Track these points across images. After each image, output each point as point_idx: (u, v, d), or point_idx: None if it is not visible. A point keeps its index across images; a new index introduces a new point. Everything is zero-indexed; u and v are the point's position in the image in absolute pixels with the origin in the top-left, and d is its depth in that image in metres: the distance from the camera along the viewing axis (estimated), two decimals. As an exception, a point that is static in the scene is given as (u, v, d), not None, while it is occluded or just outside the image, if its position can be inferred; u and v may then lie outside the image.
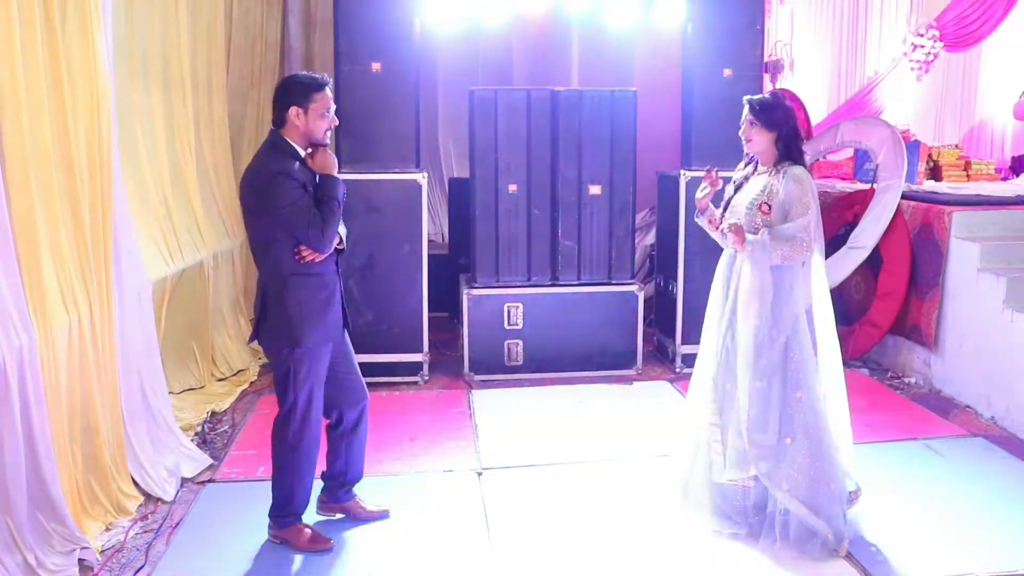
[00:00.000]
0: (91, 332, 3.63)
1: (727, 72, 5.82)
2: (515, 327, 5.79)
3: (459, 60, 8.44)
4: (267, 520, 3.64)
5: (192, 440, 4.60)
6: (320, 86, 3.37)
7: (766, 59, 6.99)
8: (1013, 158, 9.09)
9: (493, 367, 5.80)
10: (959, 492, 4.13)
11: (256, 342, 3.54)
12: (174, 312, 5.06)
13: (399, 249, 5.61)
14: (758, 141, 3.60)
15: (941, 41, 9.01)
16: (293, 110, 3.33)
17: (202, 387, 5.41)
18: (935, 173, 7.77)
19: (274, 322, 3.38)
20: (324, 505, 3.88)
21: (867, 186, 6.52)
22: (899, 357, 6.05)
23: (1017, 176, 8.50)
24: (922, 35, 8.99)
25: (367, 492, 3.96)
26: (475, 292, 5.79)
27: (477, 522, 3.82)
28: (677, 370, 5.96)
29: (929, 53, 9.05)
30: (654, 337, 6.48)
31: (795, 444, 3.47)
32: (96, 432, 3.67)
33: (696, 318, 5.62)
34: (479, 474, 4.32)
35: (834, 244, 6.49)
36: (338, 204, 3.34)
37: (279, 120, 3.38)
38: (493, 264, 5.81)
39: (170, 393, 4.75)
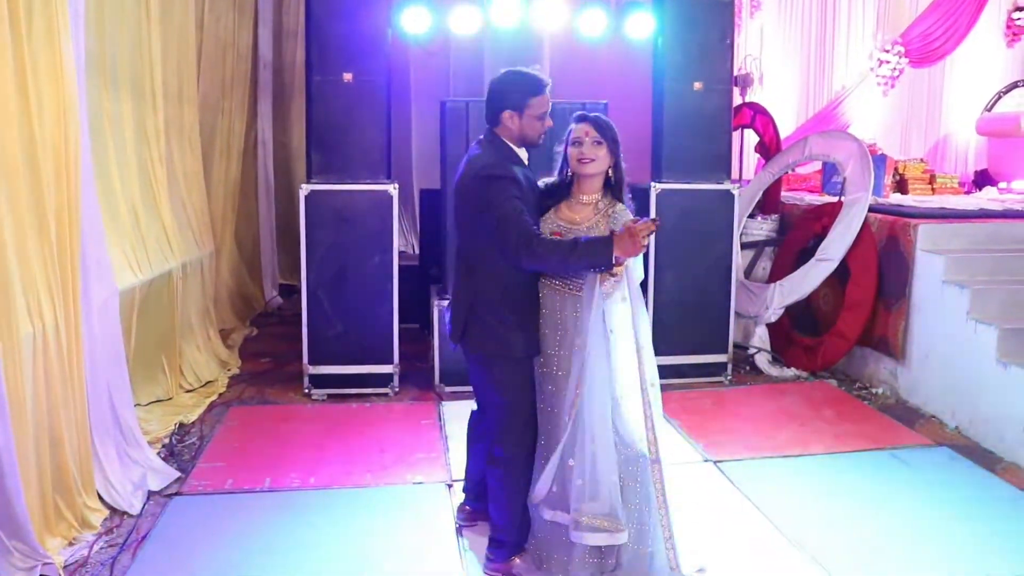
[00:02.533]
0: (57, 343, 3.57)
1: (697, 85, 5.86)
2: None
3: (431, 71, 8.44)
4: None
5: (159, 452, 4.54)
6: (537, 89, 3.23)
7: (736, 73, 7.05)
8: (976, 172, 9.28)
9: (463, 378, 5.60)
10: (925, 501, 4.17)
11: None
12: (142, 322, 5.00)
13: (370, 260, 5.58)
14: (599, 164, 3.27)
15: (906, 57, 9.19)
16: (506, 113, 3.22)
17: (170, 399, 5.34)
18: (901, 186, 7.90)
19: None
20: (467, 515, 3.82)
21: (835, 199, 6.58)
22: (867, 368, 6.11)
23: (980, 190, 8.67)
24: (888, 51, 9.16)
25: (335, 507, 3.93)
26: (445, 303, 5.73)
27: (447, 535, 3.80)
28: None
29: (895, 69, 9.22)
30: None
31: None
32: (62, 445, 3.61)
33: (664, 330, 5.69)
34: (449, 486, 4.29)
35: (802, 256, 6.56)
36: (571, 265, 3.10)
37: (492, 119, 3.27)
38: (464, 275, 5.77)
39: (137, 405, 4.70)
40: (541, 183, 3.39)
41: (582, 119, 3.28)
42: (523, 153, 3.32)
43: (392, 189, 5.57)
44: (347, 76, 5.48)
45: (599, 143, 3.23)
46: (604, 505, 3.21)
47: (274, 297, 8.36)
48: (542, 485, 3.32)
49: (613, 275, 3.11)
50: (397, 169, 6.01)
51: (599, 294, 3.15)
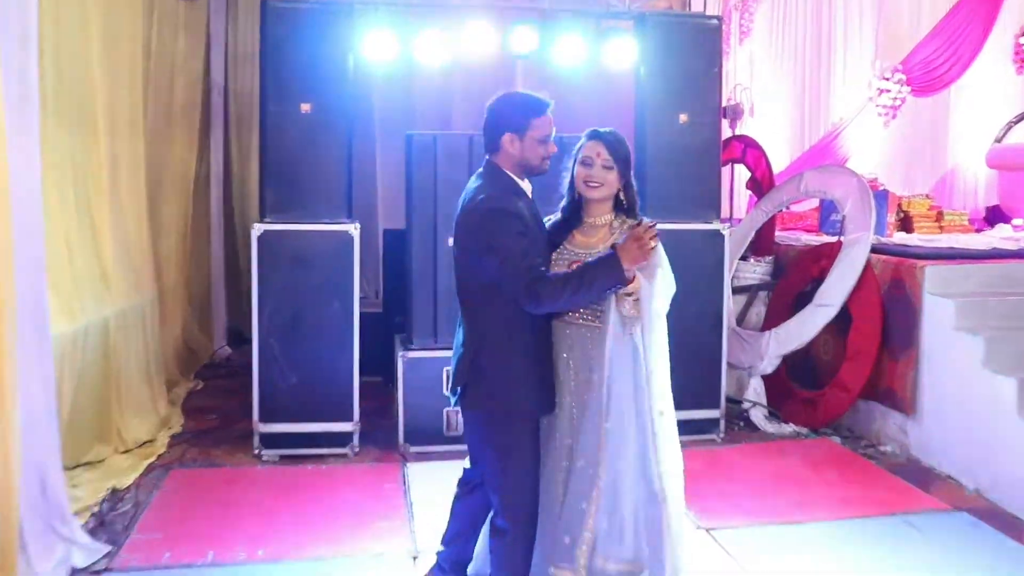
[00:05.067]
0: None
1: (683, 118, 5.88)
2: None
3: (396, 102, 8.46)
4: None
5: (88, 523, 4.39)
6: (539, 109, 3.23)
7: (724, 104, 7.09)
8: (987, 208, 9.28)
9: (430, 437, 5.69)
10: (942, 574, 4.09)
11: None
12: (74, 374, 4.89)
13: (328, 307, 5.53)
14: (607, 189, 3.30)
15: (908, 85, 9.25)
16: (507, 137, 3.21)
17: (102, 461, 5.21)
18: (906, 224, 7.89)
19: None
20: None
21: (834, 239, 6.60)
22: (873, 423, 6.05)
23: (992, 227, 8.65)
24: (888, 79, 9.22)
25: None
26: (411, 354, 5.70)
27: (410, 615, 3.69)
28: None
29: (896, 98, 9.28)
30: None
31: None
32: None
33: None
34: (414, 558, 4.20)
35: (800, 301, 6.54)
36: (584, 295, 3.10)
37: (491, 146, 3.27)
38: (431, 324, 5.73)
39: (65, 468, 4.55)
40: (547, 221, 3.40)
41: (595, 136, 3.31)
42: (526, 185, 3.30)
43: (353, 229, 5.53)
44: (305, 106, 5.47)
45: (609, 168, 3.27)
46: (628, 549, 3.22)
47: (223, 347, 8.25)
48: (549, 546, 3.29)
49: (629, 294, 3.13)
50: (359, 207, 6.00)
51: (619, 319, 3.17)
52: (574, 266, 3.20)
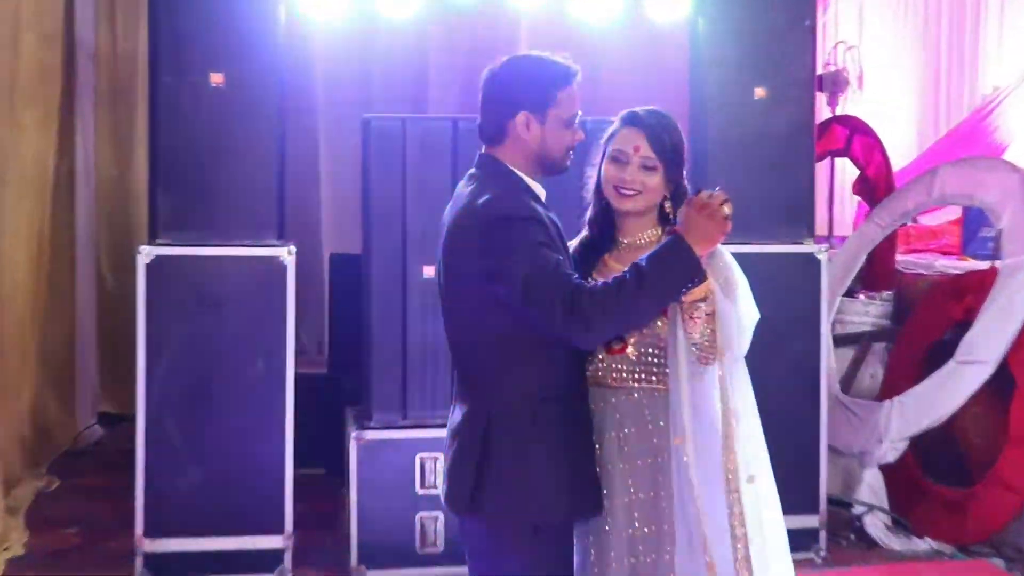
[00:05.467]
0: None
1: (760, 92, 5.93)
2: (432, 490, 5.71)
3: (349, 72, 8.52)
4: None
5: None
6: (566, 78, 3.25)
7: (821, 71, 7.15)
8: None
9: (398, 556, 5.70)
10: None
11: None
12: None
13: (249, 366, 5.58)
14: (648, 198, 3.31)
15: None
16: (522, 117, 3.20)
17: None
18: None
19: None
20: None
21: (985, 264, 6.64)
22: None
23: None
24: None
25: None
26: (369, 435, 5.74)
27: None
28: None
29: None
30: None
31: None
32: None
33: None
34: None
35: (934, 356, 6.55)
36: (654, 296, 3.06)
37: (493, 132, 3.28)
38: (398, 391, 5.76)
39: None
40: (572, 245, 3.40)
41: (631, 121, 3.30)
42: (539, 188, 3.30)
43: (287, 255, 5.58)
44: (216, 78, 5.52)
45: (651, 168, 3.25)
46: None
47: (91, 426, 8.27)
48: None
49: (702, 299, 3.07)
50: (295, 223, 6.06)
51: (689, 351, 3.11)
52: None
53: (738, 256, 5.78)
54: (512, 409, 3.16)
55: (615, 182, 3.27)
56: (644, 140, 3.26)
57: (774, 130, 5.97)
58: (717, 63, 5.94)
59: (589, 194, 3.42)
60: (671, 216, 3.30)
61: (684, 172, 3.36)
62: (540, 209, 3.18)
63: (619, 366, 3.24)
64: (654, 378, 3.22)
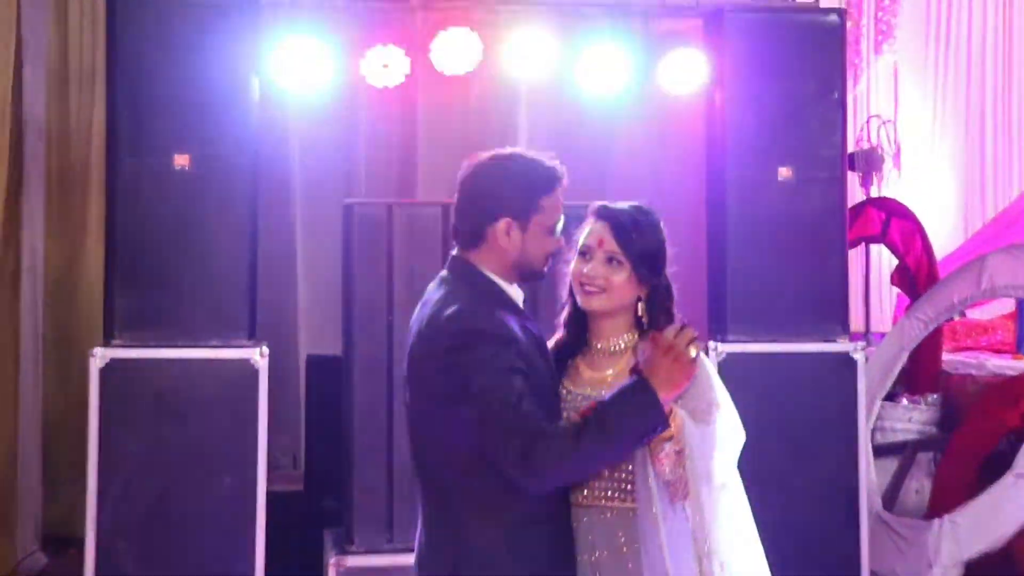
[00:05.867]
0: None
1: (784, 171, 5.98)
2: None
3: (329, 153, 8.56)
4: None
5: None
6: (550, 183, 3.31)
7: (852, 148, 7.19)
8: None
9: None
10: None
11: None
12: None
13: (216, 483, 5.58)
14: (613, 297, 3.34)
15: None
16: (503, 224, 3.27)
17: None
18: None
19: None
20: None
21: (1042, 364, 6.64)
22: None
23: None
24: None
25: None
26: (351, 561, 5.73)
27: None
28: None
29: None
30: None
31: None
32: None
33: None
34: None
35: (989, 468, 6.54)
36: (614, 445, 3.11)
37: (469, 236, 3.34)
38: (384, 510, 5.76)
39: None
40: (551, 343, 3.44)
41: (598, 214, 3.35)
42: (517, 292, 3.36)
43: (258, 357, 5.62)
44: (181, 159, 5.57)
45: (617, 262, 3.29)
46: None
47: (33, 553, 8.21)
48: None
49: (667, 438, 3.09)
50: (268, 323, 6.07)
51: (658, 488, 3.13)
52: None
53: (764, 356, 5.92)
54: (484, 537, 3.21)
55: (579, 277, 3.32)
56: (608, 233, 3.31)
57: (801, 214, 6.01)
58: (737, 139, 5.99)
59: (565, 293, 3.46)
60: (644, 321, 3.35)
61: (661, 271, 3.37)
62: (514, 323, 3.22)
63: (591, 482, 3.25)
64: (628, 497, 3.23)
